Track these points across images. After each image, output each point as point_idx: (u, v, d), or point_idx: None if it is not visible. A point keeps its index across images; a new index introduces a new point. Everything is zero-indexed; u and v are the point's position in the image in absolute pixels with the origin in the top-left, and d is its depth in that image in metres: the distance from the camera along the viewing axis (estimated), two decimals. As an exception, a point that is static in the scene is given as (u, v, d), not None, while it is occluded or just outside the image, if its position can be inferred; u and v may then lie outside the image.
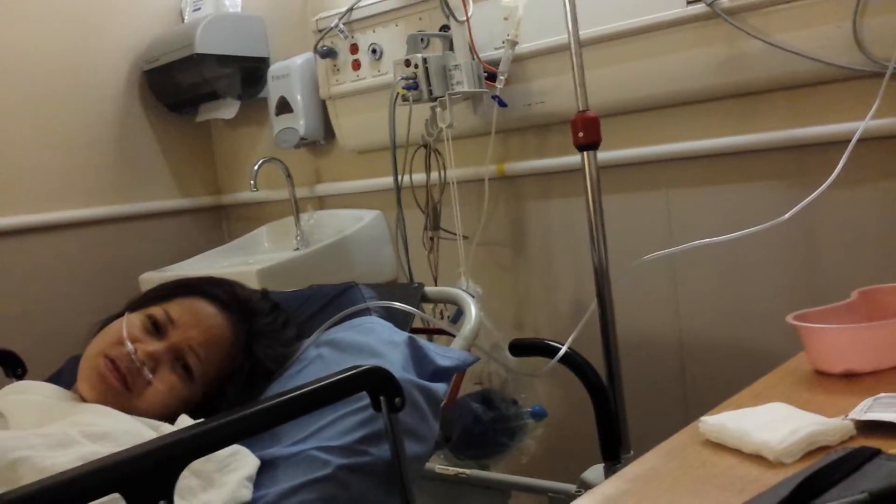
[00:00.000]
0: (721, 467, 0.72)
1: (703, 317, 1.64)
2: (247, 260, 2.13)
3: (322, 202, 2.25)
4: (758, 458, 0.72)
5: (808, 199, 1.24)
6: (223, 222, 2.51)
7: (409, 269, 1.85)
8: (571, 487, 1.45)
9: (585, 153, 1.36)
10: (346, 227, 2.04)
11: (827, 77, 1.40)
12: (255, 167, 2.03)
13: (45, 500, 0.65)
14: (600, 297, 1.39)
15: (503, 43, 1.67)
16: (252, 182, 2.01)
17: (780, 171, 1.51)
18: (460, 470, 1.60)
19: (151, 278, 1.96)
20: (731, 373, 1.60)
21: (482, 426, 1.56)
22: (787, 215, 1.25)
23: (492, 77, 1.68)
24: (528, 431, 1.58)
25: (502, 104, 1.65)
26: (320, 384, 0.87)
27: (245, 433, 0.80)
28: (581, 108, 1.36)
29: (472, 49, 1.66)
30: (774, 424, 0.74)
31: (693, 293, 1.65)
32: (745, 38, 1.42)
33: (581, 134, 1.34)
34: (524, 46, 1.66)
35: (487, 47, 1.71)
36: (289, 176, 2.14)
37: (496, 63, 1.68)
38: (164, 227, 2.34)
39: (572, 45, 1.35)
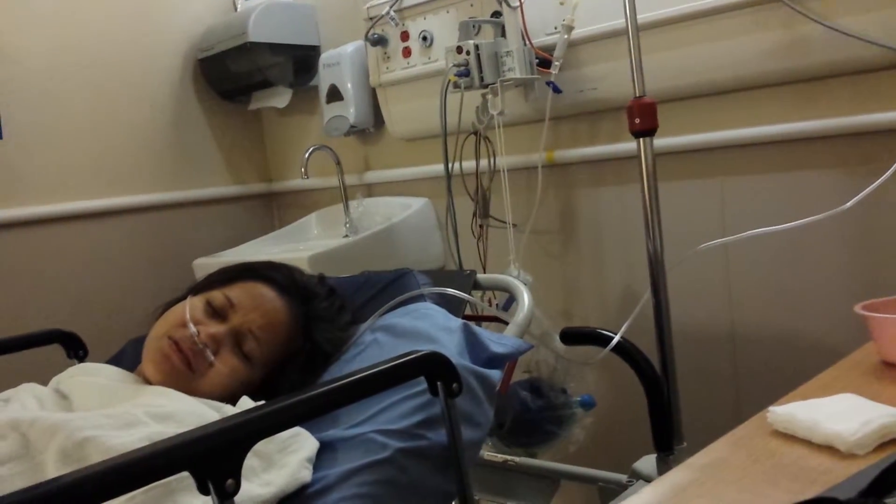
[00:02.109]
0: (791, 458, 0.71)
1: (756, 307, 1.62)
2: (297, 246, 2.16)
3: (370, 190, 2.26)
4: (828, 449, 0.70)
5: (871, 187, 1.21)
6: (273, 209, 2.54)
7: (459, 256, 1.85)
8: (622, 477, 1.44)
9: (641, 140, 1.34)
10: (394, 215, 2.05)
11: (892, 62, 1.36)
12: (306, 155, 2.05)
13: (118, 476, 0.66)
14: (655, 286, 1.37)
15: (556, 29, 1.66)
16: (303, 169, 2.03)
17: (840, 159, 1.47)
18: (509, 457, 1.60)
19: (205, 264, 2.00)
20: (785, 364, 1.58)
21: (530, 414, 1.56)
22: (848, 204, 1.22)
23: (544, 63, 1.67)
24: (577, 420, 1.57)
25: (557, 90, 1.64)
26: (380, 368, 0.87)
27: (308, 415, 0.81)
28: (638, 94, 1.34)
29: (524, 35, 1.65)
30: (845, 415, 0.72)
31: (747, 283, 1.62)
32: (806, 22, 1.39)
33: (637, 120, 1.33)
34: (577, 32, 1.64)
35: (539, 33, 1.70)
36: (338, 163, 2.16)
37: (548, 49, 1.67)
38: (217, 213, 2.38)
39: (630, 30, 1.33)
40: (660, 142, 1.44)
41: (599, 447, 1.61)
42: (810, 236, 1.45)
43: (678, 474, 0.70)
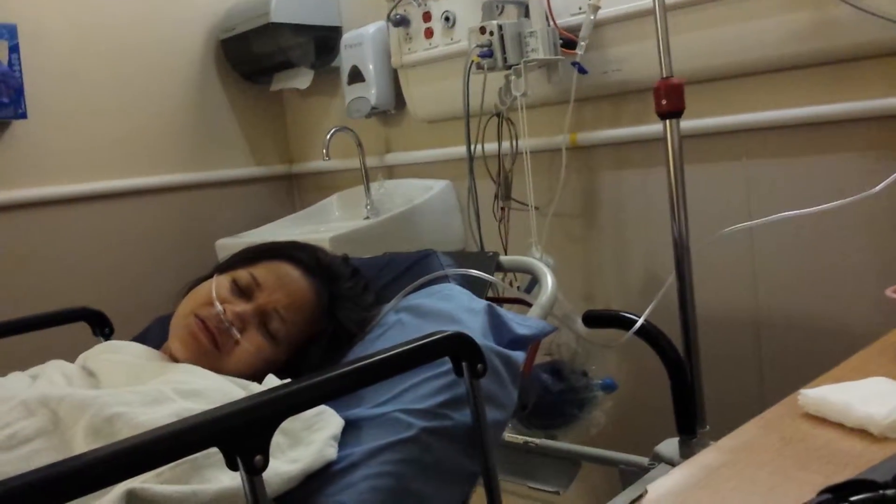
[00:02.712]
0: (822, 441, 0.70)
1: (782, 292, 1.60)
2: (318, 228, 2.16)
3: (391, 171, 2.26)
4: (861, 433, 0.70)
5: (902, 170, 1.19)
6: (294, 191, 2.54)
7: (481, 238, 1.85)
8: (643, 460, 1.44)
9: (668, 121, 1.33)
10: (415, 197, 2.05)
11: (925, 44, 1.33)
12: (328, 136, 2.04)
13: (149, 451, 0.67)
14: (679, 269, 1.36)
15: (580, 9, 1.64)
16: (324, 151, 2.03)
17: (869, 142, 1.45)
18: (529, 439, 1.60)
19: (227, 244, 2.01)
20: (810, 349, 1.56)
21: (551, 397, 1.56)
22: (878, 187, 1.20)
23: (568, 44, 1.65)
24: (598, 403, 1.57)
25: (582, 71, 1.62)
26: (405, 348, 0.87)
27: (336, 393, 0.81)
28: (665, 75, 1.33)
29: (549, 15, 1.63)
30: (879, 398, 0.72)
31: (772, 268, 1.61)
32: (835, 3, 1.36)
33: (664, 101, 1.31)
34: (602, 12, 1.62)
35: (563, 13, 1.68)
36: (360, 145, 2.16)
37: (572, 30, 1.65)
38: (238, 194, 2.39)
39: (657, 10, 1.31)
40: (685, 124, 1.43)
41: (620, 430, 1.61)
42: (838, 220, 1.43)
43: (708, 456, 0.70)
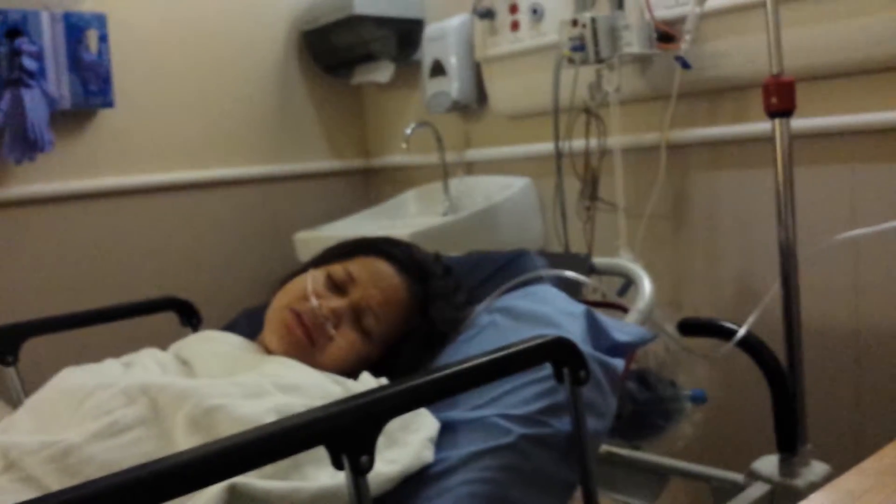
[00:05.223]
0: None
1: (886, 306, 1.51)
2: (394, 223, 2.14)
3: (470, 168, 2.22)
4: None
5: None
6: (371, 185, 2.52)
7: (566, 239, 1.80)
8: (738, 477, 1.37)
9: (777, 120, 1.26)
10: (494, 194, 2.01)
11: None
12: (409, 131, 2.02)
13: (257, 449, 0.65)
14: (785, 277, 1.29)
15: (676, 1, 1.58)
16: (404, 145, 2.00)
17: None
18: (614, 449, 1.55)
19: (306, 237, 2.00)
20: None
21: (637, 406, 1.50)
22: None
23: (663, 38, 1.59)
24: (686, 415, 1.51)
25: (686, 66, 1.55)
26: (508, 352, 0.84)
27: (441, 394, 0.79)
28: (775, 72, 1.26)
29: (647, 7, 1.57)
30: None
31: (877, 281, 1.51)
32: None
33: (774, 99, 1.24)
34: (705, 5, 1.55)
35: (658, 6, 1.61)
36: (439, 140, 2.12)
37: (667, 23, 1.59)
38: (316, 187, 2.38)
39: (769, 3, 1.24)
40: (791, 123, 1.36)
41: (708, 444, 1.54)
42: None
43: (850, 480, 0.64)
